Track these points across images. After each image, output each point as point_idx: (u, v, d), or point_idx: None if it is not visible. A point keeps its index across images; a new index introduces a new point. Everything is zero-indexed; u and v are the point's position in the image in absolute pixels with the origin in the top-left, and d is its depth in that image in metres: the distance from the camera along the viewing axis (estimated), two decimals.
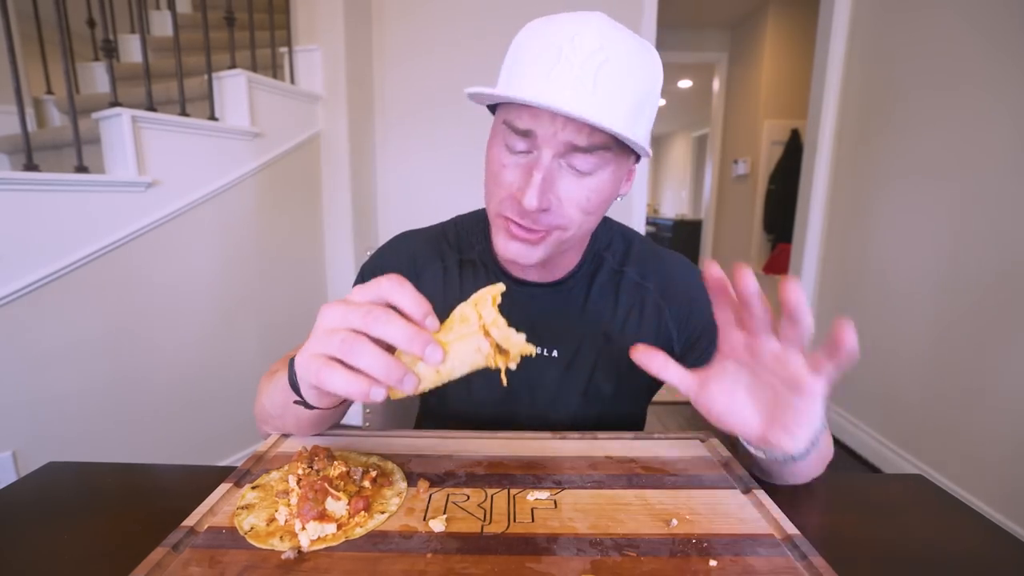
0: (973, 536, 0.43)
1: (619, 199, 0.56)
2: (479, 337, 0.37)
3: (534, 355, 0.39)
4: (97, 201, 1.27)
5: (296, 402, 0.45)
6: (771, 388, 0.40)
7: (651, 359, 0.44)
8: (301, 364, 0.38)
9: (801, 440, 0.40)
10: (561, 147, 0.47)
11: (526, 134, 0.48)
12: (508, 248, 0.53)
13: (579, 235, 0.54)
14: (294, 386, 0.44)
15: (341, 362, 0.36)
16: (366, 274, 0.67)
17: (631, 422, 0.67)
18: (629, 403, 0.65)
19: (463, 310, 0.38)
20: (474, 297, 0.38)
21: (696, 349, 0.62)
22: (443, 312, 0.60)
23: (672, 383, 0.43)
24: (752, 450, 0.45)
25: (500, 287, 0.38)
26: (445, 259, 0.65)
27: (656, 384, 0.65)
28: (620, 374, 0.63)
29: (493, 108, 0.54)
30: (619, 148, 0.49)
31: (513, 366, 0.38)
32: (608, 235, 0.66)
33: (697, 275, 0.64)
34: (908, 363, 1.77)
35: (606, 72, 0.45)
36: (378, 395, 0.35)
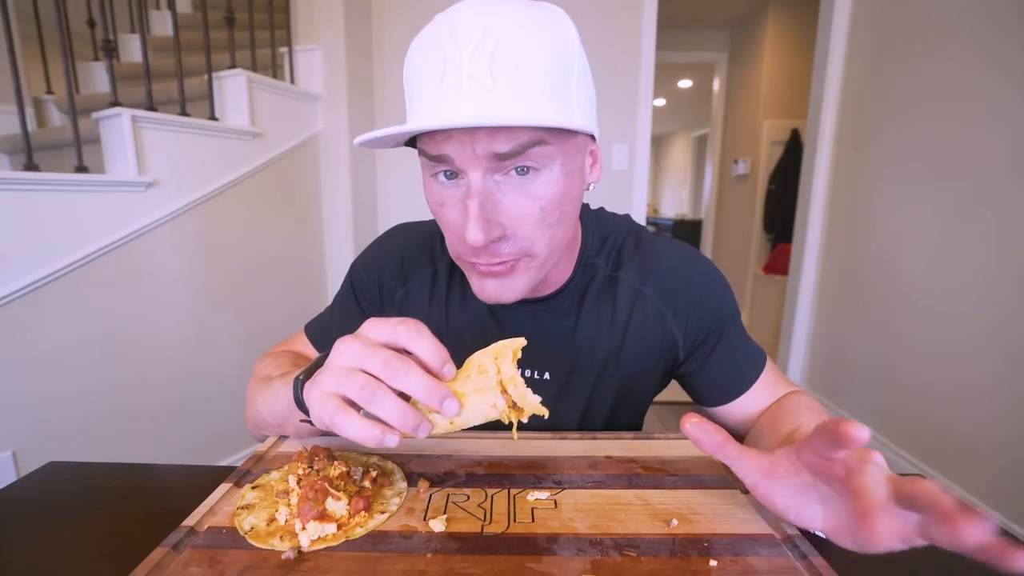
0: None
1: (591, 189, 0.50)
2: (495, 393, 0.36)
3: (547, 416, 0.38)
4: (97, 201, 1.27)
5: (303, 421, 0.45)
6: (848, 509, 0.33)
7: (706, 435, 0.36)
8: (315, 401, 0.36)
9: (867, 551, 0.33)
10: (484, 163, 0.40)
11: (443, 159, 0.41)
12: (484, 290, 0.47)
13: (555, 251, 0.47)
14: (300, 405, 0.42)
15: (354, 404, 0.35)
16: (354, 274, 0.65)
17: (635, 427, 0.65)
18: (629, 416, 0.62)
19: (482, 360, 0.37)
20: (495, 348, 0.37)
21: (703, 348, 0.58)
22: (428, 316, 0.60)
23: (732, 466, 0.37)
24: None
25: (521, 341, 0.37)
26: (436, 262, 0.61)
27: (659, 390, 0.63)
28: (621, 392, 0.59)
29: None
30: (557, 137, 0.41)
31: (525, 420, 0.37)
32: (600, 239, 0.59)
33: (698, 266, 0.58)
34: (908, 363, 1.77)
35: (500, 59, 0.38)
36: (392, 442, 0.35)
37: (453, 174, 0.43)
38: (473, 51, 0.38)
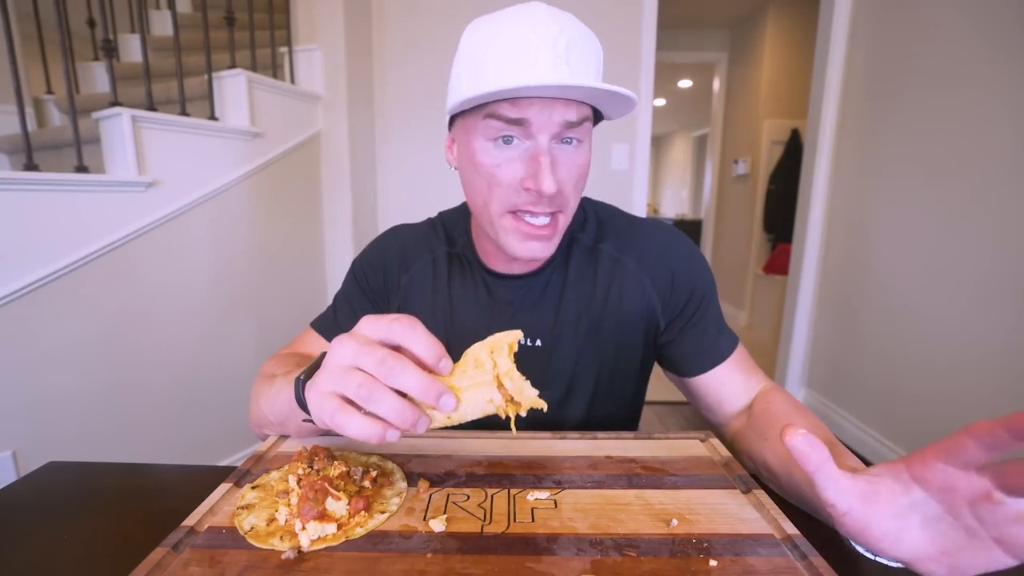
0: None
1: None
2: (492, 388, 0.36)
3: (545, 410, 0.38)
4: (97, 201, 1.27)
5: (305, 420, 0.45)
6: (968, 532, 0.30)
7: (816, 451, 0.32)
8: (314, 401, 0.37)
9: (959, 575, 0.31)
10: (556, 128, 0.49)
11: (519, 123, 0.48)
12: (524, 248, 0.53)
13: (572, 214, 0.55)
14: (301, 404, 0.43)
15: (354, 402, 0.36)
16: (358, 269, 0.68)
17: (624, 407, 0.67)
18: (619, 387, 0.65)
19: (478, 354, 0.37)
20: (491, 342, 0.37)
21: (681, 318, 0.61)
22: (434, 304, 0.64)
23: (824, 489, 0.33)
24: (861, 550, 0.35)
25: (517, 334, 0.38)
26: (434, 251, 0.66)
27: (646, 364, 0.66)
28: (606, 356, 0.62)
29: (452, 120, 0.56)
30: (591, 119, 0.53)
31: (523, 414, 0.37)
32: (581, 215, 0.65)
33: (678, 240, 0.63)
34: (908, 363, 1.77)
35: (574, 51, 0.48)
36: (392, 437, 0.35)
37: (509, 140, 0.50)
38: (555, 42, 0.47)
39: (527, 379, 0.37)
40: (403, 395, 0.36)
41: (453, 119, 0.56)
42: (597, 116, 0.55)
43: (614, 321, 0.61)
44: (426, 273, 0.65)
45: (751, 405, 0.59)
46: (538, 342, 0.62)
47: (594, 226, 0.64)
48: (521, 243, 0.53)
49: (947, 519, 0.31)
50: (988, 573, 0.30)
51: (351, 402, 0.36)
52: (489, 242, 0.60)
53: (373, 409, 0.35)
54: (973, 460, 0.29)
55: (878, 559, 0.34)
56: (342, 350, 0.36)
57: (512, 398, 0.37)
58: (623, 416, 0.67)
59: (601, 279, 0.62)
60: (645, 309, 0.61)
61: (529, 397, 0.37)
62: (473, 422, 0.39)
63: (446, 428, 0.41)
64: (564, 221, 0.54)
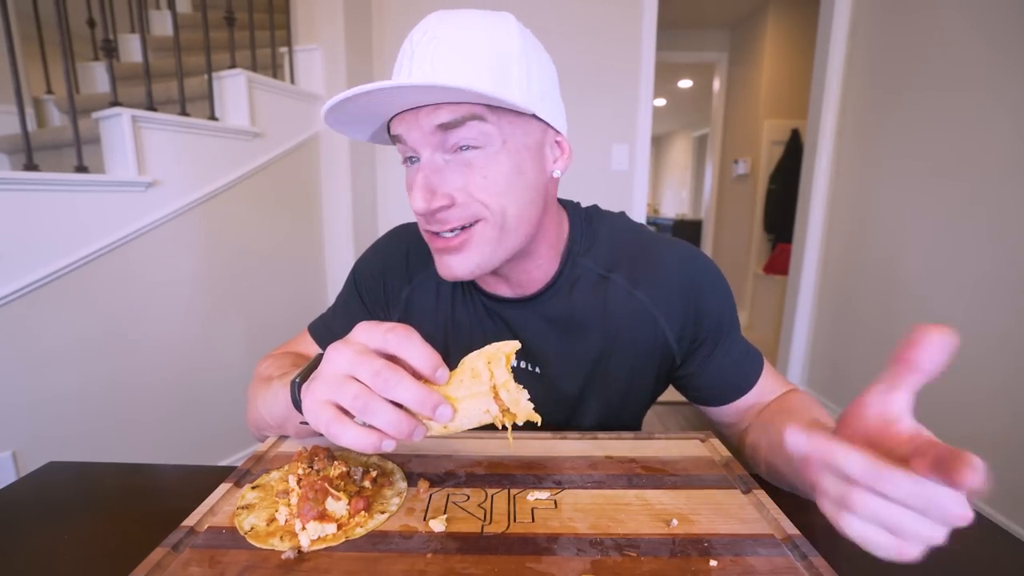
0: (973, 536, 0.43)
1: (556, 175, 0.53)
2: (488, 399, 0.37)
3: (539, 423, 0.38)
4: (97, 201, 1.27)
5: (303, 423, 0.45)
6: None
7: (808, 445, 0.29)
8: (310, 408, 0.37)
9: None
10: (431, 137, 0.46)
11: (399, 140, 0.47)
12: (443, 265, 0.50)
13: (515, 223, 0.49)
14: (297, 406, 0.42)
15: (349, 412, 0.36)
16: (358, 274, 0.66)
17: (626, 425, 0.64)
18: (624, 417, 0.61)
19: (475, 364, 0.37)
20: (488, 352, 0.37)
21: (701, 352, 0.57)
22: (435, 322, 0.62)
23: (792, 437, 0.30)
24: None
25: (515, 345, 0.37)
26: None
27: (656, 395, 0.63)
28: (612, 392, 0.59)
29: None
30: (496, 117, 0.46)
31: (519, 423, 0.38)
32: (590, 237, 0.59)
33: (697, 268, 0.56)
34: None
35: (441, 51, 0.45)
36: (388, 447, 0.35)
37: (413, 160, 0.48)
38: (422, 48, 0.45)
39: (523, 389, 0.37)
40: (400, 404, 0.35)
41: None
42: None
43: (623, 356, 0.57)
44: (429, 288, 0.62)
45: (767, 404, 0.57)
46: (538, 369, 0.59)
47: (605, 251, 0.58)
48: (438, 260, 0.51)
49: None
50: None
51: (347, 411, 0.36)
52: None
53: (369, 421, 0.35)
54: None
55: None
56: (337, 358, 0.36)
57: (508, 408, 0.37)
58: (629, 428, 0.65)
59: (611, 313, 0.56)
60: (659, 346, 0.57)
61: (525, 409, 0.37)
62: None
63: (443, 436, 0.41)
64: (488, 231, 0.48)
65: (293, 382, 0.42)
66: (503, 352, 0.37)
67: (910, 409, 0.29)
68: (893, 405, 0.29)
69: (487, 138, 0.46)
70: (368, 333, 0.37)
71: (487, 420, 0.37)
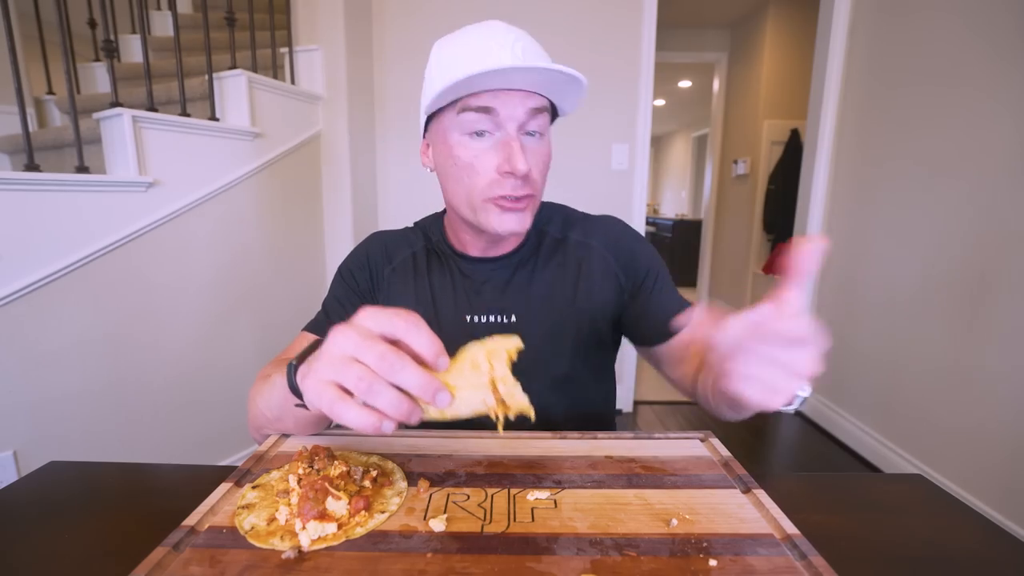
0: (973, 536, 0.43)
1: None
2: (487, 391, 0.37)
3: (533, 419, 0.39)
4: (98, 201, 1.27)
5: (298, 405, 0.45)
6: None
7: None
8: (311, 388, 0.37)
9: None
10: (522, 115, 0.55)
11: (488, 111, 0.54)
12: (504, 222, 0.58)
13: (540, 199, 0.63)
14: (294, 389, 0.44)
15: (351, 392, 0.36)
16: (344, 271, 0.72)
17: (597, 389, 0.72)
18: (591, 364, 0.69)
19: (475, 355, 0.38)
20: (490, 346, 0.38)
21: (644, 289, 0.68)
22: (416, 291, 0.68)
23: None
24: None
25: (517, 341, 0.39)
26: (414, 246, 0.72)
27: (615, 342, 0.72)
28: (580, 327, 0.67)
29: (427, 125, 0.62)
30: (549, 114, 0.59)
31: (512, 417, 0.38)
32: (547, 212, 0.72)
33: (631, 230, 0.73)
34: (908, 363, 1.77)
35: (529, 51, 0.56)
36: (388, 428, 0.36)
37: (482, 133, 0.56)
38: (513, 44, 0.55)
39: (519, 384, 0.38)
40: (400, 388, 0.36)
41: (428, 124, 0.62)
42: (555, 116, 0.62)
43: (586, 295, 0.67)
44: (407, 265, 0.71)
45: None
46: (513, 318, 0.66)
47: (560, 221, 0.72)
48: (500, 217, 0.58)
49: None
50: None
51: (348, 392, 0.36)
52: (466, 232, 0.66)
53: (372, 402, 0.35)
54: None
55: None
56: (342, 340, 0.37)
57: (504, 400, 0.38)
58: (598, 396, 0.72)
59: (571, 262, 0.69)
60: (612, 281, 0.69)
61: (520, 403, 0.38)
62: (470, 421, 0.40)
63: (440, 426, 0.42)
64: (534, 205, 0.61)
65: (290, 364, 0.44)
66: (504, 348, 0.38)
67: (799, 300, 0.35)
68: (783, 297, 0.35)
69: (546, 127, 0.59)
70: (373, 318, 0.37)
71: (483, 410, 0.38)
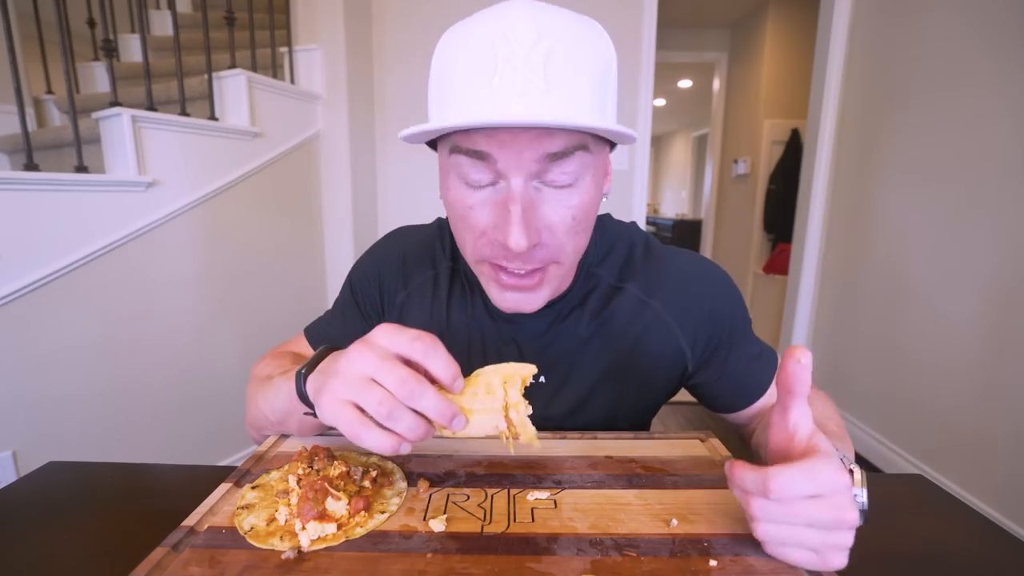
0: (973, 536, 0.43)
1: (604, 199, 0.50)
2: (499, 417, 0.38)
3: (538, 448, 0.39)
4: (97, 201, 1.27)
5: (307, 413, 0.45)
6: None
7: (801, 372, 0.34)
8: (327, 407, 0.36)
9: None
10: (533, 165, 0.40)
11: (483, 157, 0.40)
12: (505, 300, 0.47)
13: (576, 259, 0.49)
14: (303, 397, 0.43)
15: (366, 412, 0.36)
16: (355, 279, 0.65)
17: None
18: (631, 419, 0.61)
19: (491, 380, 0.38)
20: (505, 372, 0.38)
21: (715, 359, 0.57)
22: (429, 324, 0.60)
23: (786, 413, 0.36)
24: None
25: (532, 369, 0.38)
26: (437, 265, 0.61)
27: (666, 399, 0.62)
28: (623, 398, 0.58)
29: (432, 143, 0.47)
30: (596, 145, 0.43)
31: (523, 442, 0.39)
32: (606, 246, 0.58)
33: (709, 278, 0.57)
34: (908, 363, 1.77)
35: (555, 63, 0.38)
36: (406, 449, 0.36)
37: (490, 181, 0.42)
38: (528, 52, 0.37)
39: (529, 406, 0.38)
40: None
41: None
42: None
43: (636, 366, 0.56)
44: (425, 291, 0.60)
45: None
46: (542, 379, 0.57)
47: (618, 261, 0.57)
48: (500, 294, 0.47)
49: None
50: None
51: (364, 411, 0.36)
52: None
53: (391, 427, 0.35)
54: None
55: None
56: (360, 360, 0.36)
57: (514, 427, 0.38)
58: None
59: (624, 323, 0.56)
60: (672, 355, 0.56)
61: (529, 434, 0.38)
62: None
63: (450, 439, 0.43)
64: (559, 271, 0.47)
65: (299, 373, 0.43)
66: (519, 375, 0.38)
67: (805, 420, 0.35)
68: (788, 422, 0.35)
69: (584, 170, 0.42)
70: (391, 337, 0.36)
71: (493, 434, 0.39)
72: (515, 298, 0.47)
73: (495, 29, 0.39)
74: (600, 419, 0.59)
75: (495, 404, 0.38)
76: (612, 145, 0.47)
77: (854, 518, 0.32)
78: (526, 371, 0.38)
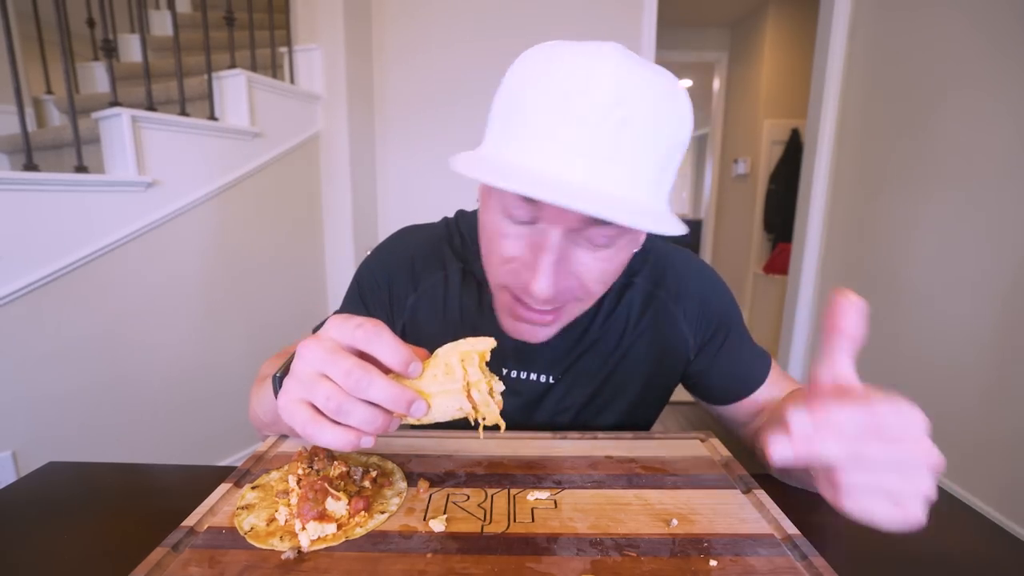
0: (973, 536, 0.43)
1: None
2: (462, 397, 0.36)
3: (503, 429, 0.38)
4: (97, 201, 1.27)
5: None
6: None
7: (851, 312, 0.30)
8: (285, 408, 0.35)
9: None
10: (575, 223, 0.40)
11: (531, 201, 0.40)
12: (515, 328, 0.48)
13: (595, 300, 0.49)
14: None
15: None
16: (362, 280, 0.64)
17: (640, 428, 0.64)
18: (636, 418, 0.62)
19: (449, 359, 0.37)
20: (463, 350, 0.37)
21: (710, 346, 0.59)
22: (444, 330, 0.60)
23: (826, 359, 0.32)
24: None
25: (490, 342, 0.37)
26: (447, 266, 0.60)
27: (670, 393, 0.64)
28: (632, 391, 0.60)
29: None
30: None
31: (489, 423, 0.37)
32: (638, 257, 0.60)
33: (706, 272, 0.61)
34: (908, 363, 1.77)
35: (628, 135, 0.36)
36: (367, 443, 0.35)
37: (529, 221, 0.41)
38: (602, 116, 0.36)
39: (500, 380, 0.38)
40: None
41: None
42: None
43: (643, 356, 0.59)
44: (436, 293, 0.60)
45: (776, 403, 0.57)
46: (550, 378, 0.58)
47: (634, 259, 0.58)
48: (512, 324, 0.48)
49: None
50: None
51: (318, 409, 0.35)
52: None
53: (344, 421, 0.34)
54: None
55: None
56: (309, 355, 0.35)
57: (477, 407, 0.37)
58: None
59: (635, 313, 0.58)
60: (677, 340, 0.59)
61: (491, 413, 0.37)
62: (462, 422, 0.39)
63: (426, 427, 0.41)
64: (577, 308, 0.47)
65: (275, 377, 0.42)
66: (476, 352, 0.36)
67: (853, 372, 0.31)
68: (842, 373, 0.31)
69: (622, 232, 0.42)
70: (338, 328, 0.35)
71: (459, 416, 0.37)
72: (526, 329, 0.48)
73: (579, 78, 0.37)
74: (614, 415, 0.60)
75: (455, 384, 0.36)
76: None
77: (939, 460, 0.29)
78: (483, 345, 0.37)
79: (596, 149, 0.36)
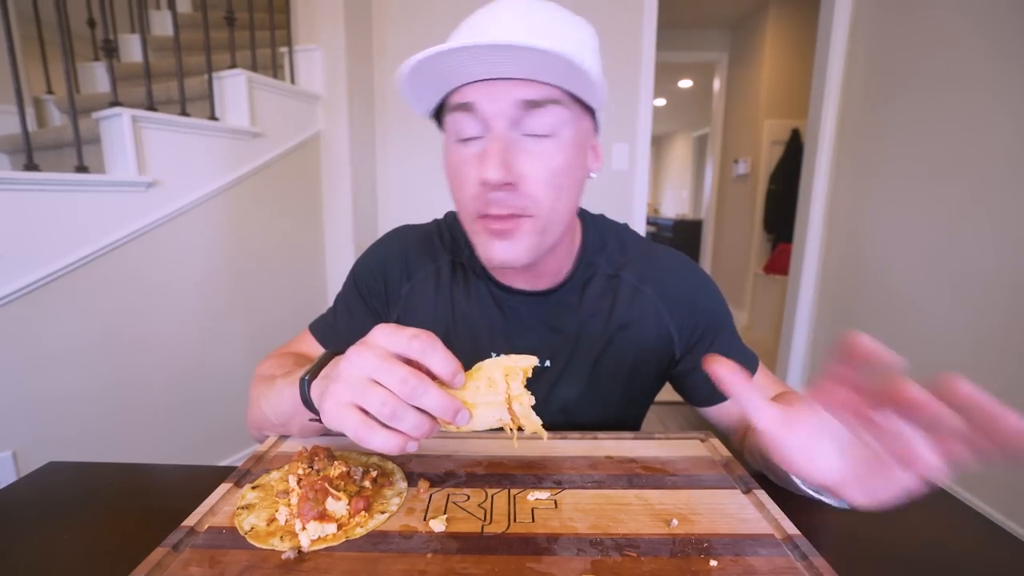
0: (973, 536, 0.43)
1: (592, 176, 0.55)
2: (502, 409, 0.38)
3: (546, 439, 0.39)
4: (97, 201, 1.27)
5: (313, 419, 0.45)
6: (874, 455, 0.32)
7: (730, 375, 0.34)
8: (331, 411, 0.36)
9: (877, 502, 0.33)
10: (511, 111, 0.45)
11: (469, 108, 0.45)
12: (491, 250, 0.50)
13: (554, 220, 0.50)
14: (307, 402, 0.43)
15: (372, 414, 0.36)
16: (359, 274, 0.66)
17: (627, 427, 0.66)
18: (626, 409, 0.64)
19: (492, 373, 0.38)
20: (506, 365, 0.38)
21: (698, 347, 0.60)
22: (435, 317, 0.62)
23: (752, 413, 0.35)
24: (801, 484, 0.40)
25: (533, 360, 0.39)
26: (438, 260, 0.64)
27: (655, 390, 0.65)
28: (617, 383, 0.61)
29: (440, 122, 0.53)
30: (571, 103, 0.47)
31: (526, 431, 0.39)
32: (601, 239, 0.62)
33: (695, 272, 0.63)
34: (908, 363, 1.77)
35: (538, 14, 0.46)
36: (412, 448, 0.36)
37: (475, 138, 0.47)
38: (512, 20, 0.45)
39: (532, 396, 0.39)
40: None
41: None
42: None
43: (629, 347, 0.60)
44: (428, 283, 0.63)
45: None
46: (547, 363, 0.60)
47: (615, 252, 0.62)
48: (486, 245, 0.50)
49: (857, 444, 0.33)
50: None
51: (368, 413, 0.36)
52: None
53: (396, 426, 0.35)
54: (854, 382, 0.31)
55: (821, 498, 0.38)
56: (360, 361, 0.36)
57: (518, 419, 0.38)
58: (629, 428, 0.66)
59: (620, 307, 0.60)
60: (662, 338, 0.60)
61: (533, 424, 0.38)
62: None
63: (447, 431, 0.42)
64: (535, 226, 0.49)
65: (303, 379, 0.43)
66: (520, 367, 0.38)
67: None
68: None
69: (560, 126, 0.46)
70: (389, 337, 0.36)
71: (497, 426, 0.39)
72: (500, 247, 0.49)
73: (482, 11, 0.47)
74: (599, 403, 0.61)
75: (497, 397, 0.38)
76: (595, 120, 0.52)
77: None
78: (527, 363, 0.38)
79: (513, 19, 0.45)
